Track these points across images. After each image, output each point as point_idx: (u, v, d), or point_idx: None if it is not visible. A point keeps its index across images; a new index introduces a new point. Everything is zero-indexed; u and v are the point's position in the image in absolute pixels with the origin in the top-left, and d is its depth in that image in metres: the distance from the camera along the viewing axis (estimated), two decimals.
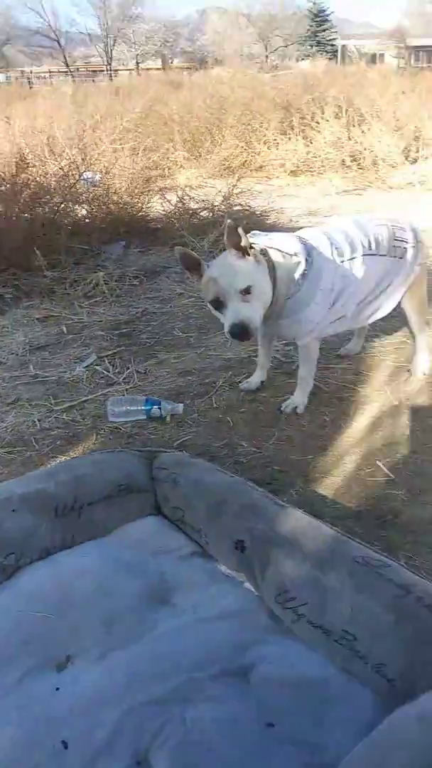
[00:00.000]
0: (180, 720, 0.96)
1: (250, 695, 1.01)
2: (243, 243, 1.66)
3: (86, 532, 1.38)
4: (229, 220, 1.69)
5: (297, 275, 1.77)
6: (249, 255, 1.68)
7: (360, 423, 1.94)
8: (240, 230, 1.64)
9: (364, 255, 1.87)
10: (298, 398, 2.01)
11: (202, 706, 0.99)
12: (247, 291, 1.66)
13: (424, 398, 2.05)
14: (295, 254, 1.78)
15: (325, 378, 2.20)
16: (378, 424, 1.93)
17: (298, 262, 1.77)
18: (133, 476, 1.50)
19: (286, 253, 1.78)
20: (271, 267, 1.74)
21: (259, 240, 1.81)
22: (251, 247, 1.69)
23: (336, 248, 1.85)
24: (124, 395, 2.12)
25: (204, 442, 1.87)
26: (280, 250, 1.77)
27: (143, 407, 1.98)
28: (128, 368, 2.37)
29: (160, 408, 1.98)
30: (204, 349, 2.52)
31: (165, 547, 1.37)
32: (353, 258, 1.86)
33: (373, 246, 1.90)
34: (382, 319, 2.55)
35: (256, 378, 2.17)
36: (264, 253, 1.75)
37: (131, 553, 1.35)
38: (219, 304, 1.69)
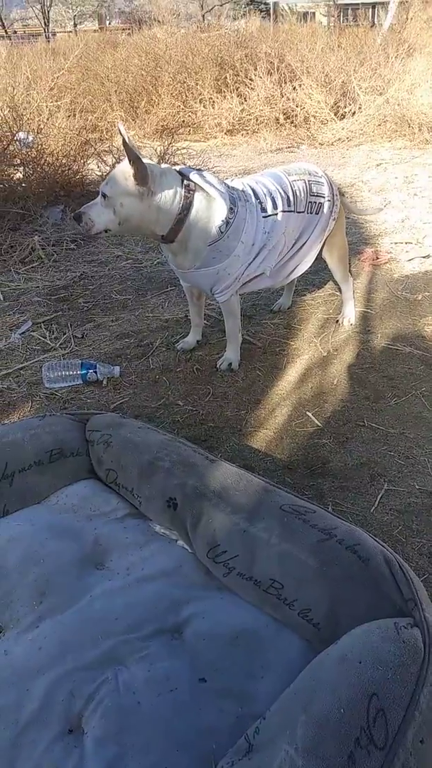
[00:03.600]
0: (113, 683, 0.91)
1: (183, 652, 0.96)
2: (134, 167, 1.58)
3: (19, 501, 1.30)
4: (127, 138, 1.55)
5: (219, 222, 1.66)
6: (137, 179, 1.59)
7: (291, 375, 1.89)
8: (134, 151, 1.55)
9: (283, 212, 1.78)
10: (231, 354, 1.94)
11: (135, 667, 0.94)
12: (104, 196, 1.64)
13: (350, 348, 2.01)
14: (223, 201, 1.67)
15: (258, 333, 2.13)
16: (308, 375, 1.88)
17: (225, 209, 1.66)
18: (65, 441, 1.41)
19: (214, 198, 1.66)
20: (186, 205, 1.64)
21: (195, 178, 1.67)
22: (142, 173, 1.58)
23: (260, 202, 1.75)
24: (60, 361, 2.00)
25: (141, 404, 1.78)
26: (208, 193, 1.66)
27: (79, 372, 1.87)
28: (65, 333, 2.24)
29: (96, 372, 1.88)
30: (142, 311, 2.40)
31: (99, 510, 1.30)
32: (275, 214, 1.76)
33: (292, 202, 1.80)
34: (313, 273, 2.49)
35: (192, 337, 2.08)
36: (191, 189, 1.65)
37: (65, 518, 1.27)
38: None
